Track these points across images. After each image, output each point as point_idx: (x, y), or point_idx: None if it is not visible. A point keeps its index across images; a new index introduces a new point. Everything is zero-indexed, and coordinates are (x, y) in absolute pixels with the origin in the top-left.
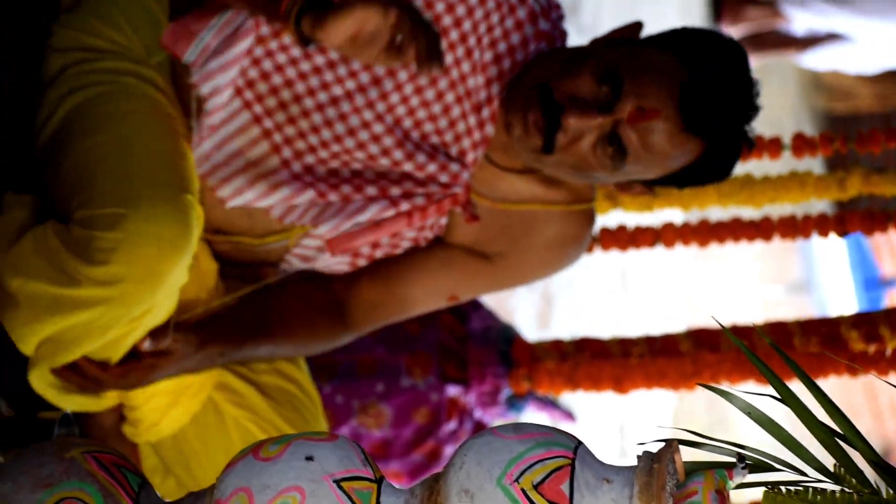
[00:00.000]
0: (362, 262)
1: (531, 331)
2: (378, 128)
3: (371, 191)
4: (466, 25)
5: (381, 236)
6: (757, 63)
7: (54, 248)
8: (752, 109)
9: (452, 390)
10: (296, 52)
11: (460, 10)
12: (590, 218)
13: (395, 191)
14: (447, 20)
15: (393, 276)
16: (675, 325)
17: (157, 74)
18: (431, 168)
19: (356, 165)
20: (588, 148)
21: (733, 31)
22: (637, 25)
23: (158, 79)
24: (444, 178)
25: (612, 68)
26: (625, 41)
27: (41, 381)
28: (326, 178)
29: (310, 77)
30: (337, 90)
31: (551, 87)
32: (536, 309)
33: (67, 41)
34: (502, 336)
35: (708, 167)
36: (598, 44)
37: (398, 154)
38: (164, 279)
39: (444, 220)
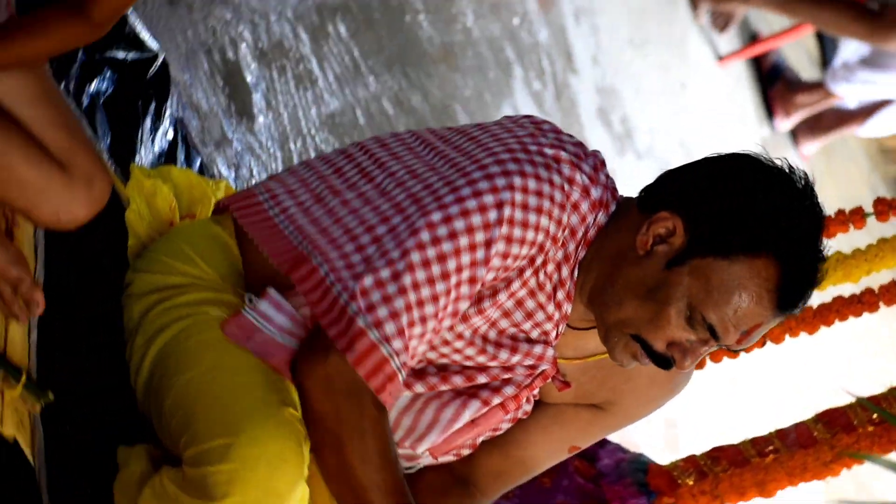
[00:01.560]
0: (466, 452)
1: (663, 458)
2: (458, 343)
3: (457, 380)
4: None
5: (480, 432)
6: (821, 144)
7: (173, 494)
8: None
9: None
10: None
11: None
12: None
13: (482, 378)
14: None
15: (508, 443)
16: (799, 412)
17: (236, 296)
18: (515, 359)
19: (443, 361)
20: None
21: (789, 122)
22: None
23: (237, 300)
24: (529, 362)
25: (696, 314)
26: (687, 251)
27: None
28: (411, 373)
29: None
30: None
31: (646, 339)
32: (662, 435)
33: (144, 285)
34: (635, 466)
35: None
36: (659, 255)
37: (481, 359)
38: (284, 497)
39: (536, 391)
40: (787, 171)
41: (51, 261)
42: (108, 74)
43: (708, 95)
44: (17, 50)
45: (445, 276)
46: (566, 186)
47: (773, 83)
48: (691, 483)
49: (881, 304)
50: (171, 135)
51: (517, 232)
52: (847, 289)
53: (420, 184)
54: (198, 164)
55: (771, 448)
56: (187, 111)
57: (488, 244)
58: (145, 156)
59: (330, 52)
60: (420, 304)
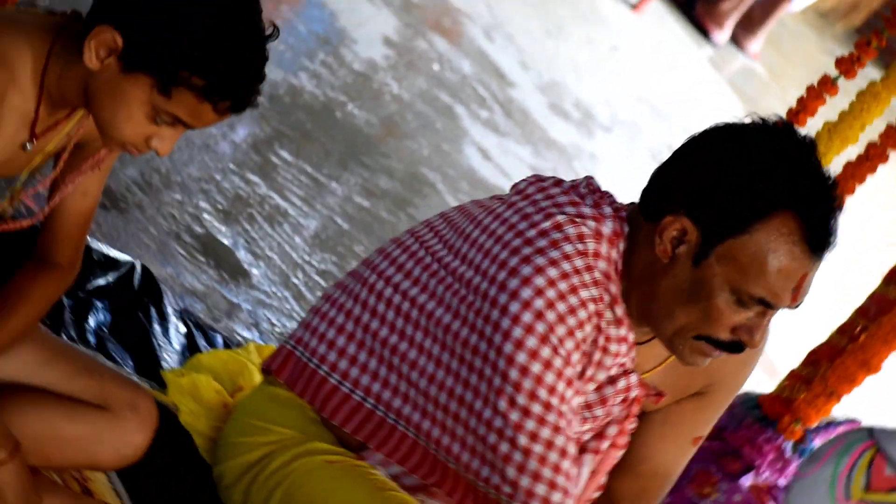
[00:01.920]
0: (596, 495)
1: (768, 386)
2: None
3: None
4: None
5: (600, 478)
6: (763, 37)
7: None
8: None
9: (747, 480)
10: None
11: None
12: None
13: (587, 435)
14: None
15: (634, 463)
16: (832, 291)
17: (319, 441)
18: (609, 405)
19: None
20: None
21: (725, 32)
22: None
23: (322, 444)
24: (620, 398)
25: (742, 294)
26: (705, 243)
27: None
28: None
29: None
30: None
31: (709, 335)
32: (760, 367)
33: (233, 472)
34: (748, 405)
35: None
36: (683, 256)
37: (585, 427)
38: None
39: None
40: (759, 122)
41: (135, 496)
42: (99, 306)
43: (641, 46)
44: (9, 327)
45: (548, 406)
46: (580, 246)
47: (694, 4)
48: (804, 395)
49: (888, 150)
50: (182, 328)
51: (571, 321)
52: (851, 153)
53: (466, 327)
54: (220, 340)
55: (859, 328)
56: (186, 299)
57: (556, 351)
58: (170, 358)
59: (285, 180)
60: (549, 445)
